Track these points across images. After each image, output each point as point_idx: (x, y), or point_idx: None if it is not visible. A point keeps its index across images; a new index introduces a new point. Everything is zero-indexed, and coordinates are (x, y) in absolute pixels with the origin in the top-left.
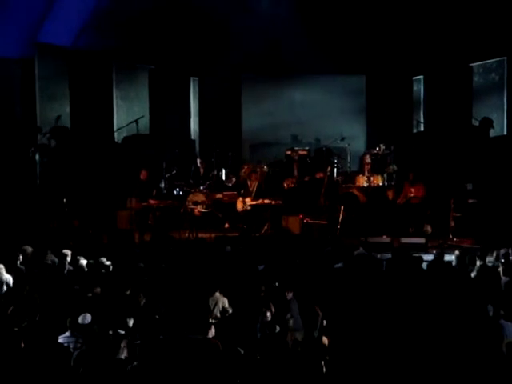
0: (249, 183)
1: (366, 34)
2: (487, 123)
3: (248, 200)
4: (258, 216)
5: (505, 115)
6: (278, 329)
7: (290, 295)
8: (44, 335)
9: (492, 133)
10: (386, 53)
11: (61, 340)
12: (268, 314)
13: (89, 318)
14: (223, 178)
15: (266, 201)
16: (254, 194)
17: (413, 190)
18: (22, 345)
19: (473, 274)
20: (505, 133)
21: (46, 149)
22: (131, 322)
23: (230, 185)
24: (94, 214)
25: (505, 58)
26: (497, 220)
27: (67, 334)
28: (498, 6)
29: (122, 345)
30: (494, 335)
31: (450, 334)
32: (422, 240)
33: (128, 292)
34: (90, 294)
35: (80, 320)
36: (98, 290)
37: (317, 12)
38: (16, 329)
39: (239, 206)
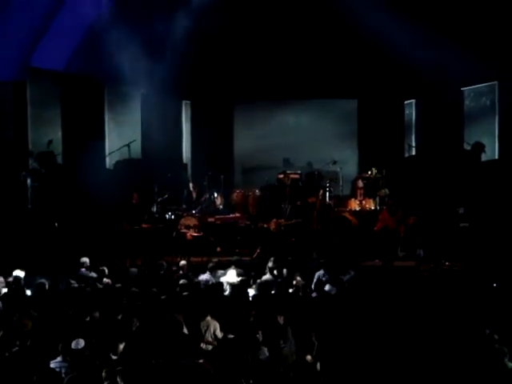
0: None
1: (357, 58)
2: (479, 147)
3: (282, 221)
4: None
5: (496, 139)
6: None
7: (281, 319)
8: (35, 360)
9: (483, 157)
10: (378, 77)
11: (52, 365)
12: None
13: (82, 343)
14: (215, 201)
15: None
16: (287, 215)
17: (390, 218)
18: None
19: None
20: (496, 157)
21: (37, 173)
22: (122, 347)
23: (220, 207)
24: (87, 239)
25: (496, 82)
26: (488, 244)
27: (59, 358)
28: (489, 31)
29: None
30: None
31: (445, 361)
32: (413, 264)
33: (120, 317)
34: (87, 319)
35: (73, 345)
36: (97, 314)
37: (309, 36)
38: (6, 354)
39: (273, 226)
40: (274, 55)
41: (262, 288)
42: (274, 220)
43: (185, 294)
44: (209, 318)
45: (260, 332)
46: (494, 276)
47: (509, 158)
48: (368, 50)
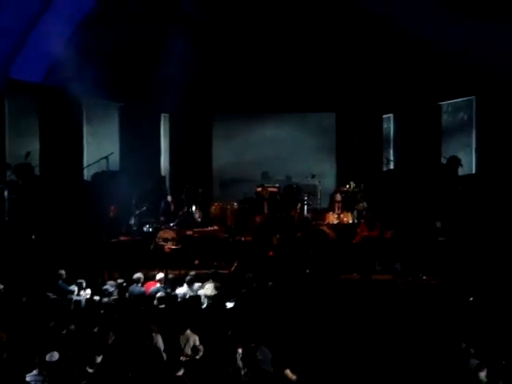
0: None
1: (336, 73)
2: (456, 162)
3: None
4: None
5: (473, 154)
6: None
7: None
8: (11, 373)
9: (460, 171)
10: (356, 91)
11: (28, 378)
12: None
13: (56, 355)
14: (193, 214)
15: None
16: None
17: (368, 229)
18: None
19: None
20: (473, 171)
21: (14, 185)
22: (99, 360)
23: (199, 220)
24: (64, 251)
25: (473, 97)
26: (466, 258)
27: (35, 372)
28: (466, 47)
29: None
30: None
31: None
32: (391, 277)
33: (96, 329)
34: (64, 331)
35: (47, 358)
36: (73, 327)
37: (287, 50)
38: None
39: (275, 241)
40: (252, 69)
41: (241, 301)
42: (278, 236)
43: (162, 307)
44: (189, 331)
45: (239, 345)
46: (470, 290)
47: (486, 172)
48: (346, 63)
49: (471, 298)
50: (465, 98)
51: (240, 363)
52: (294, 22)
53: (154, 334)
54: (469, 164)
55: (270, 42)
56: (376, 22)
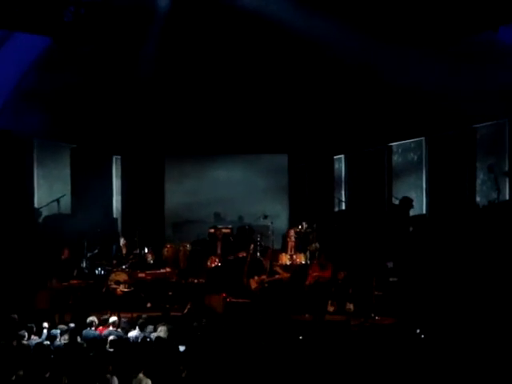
0: (264, 262)
1: (287, 114)
2: (407, 202)
3: (264, 278)
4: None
5: (424, 194)
6: None
7: None
8: None
9: (411, 212)
10: (308, 132)
11: None
12: None
13: None
14: (146, 256)
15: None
16: (268, 271)
17: (319, 270)
18: None
19: None
20: (424, 212)
21: None
22: None
23: (151, 262)
24: (13, 295)
25: (423, 138)
26: (417, 298)
27: None
28: (415, 89)
29: None
30: None
31: None
32: (343, 318)
33: (47, 375)
34: (13, 378)
35: None
36: (21, 372)
37: (239, 92)
38: None
39: (254, 285)
40: (204, 110)
41: (192, 344)
42: (256, 278)
43: (114, 350)
44: (141, 375)
45: None
46: (422, 330)
47: (436, 212)
48: (297, 105)
49: (418, 330)
50: (414, 139)
51: None
52: (245, 65)
53: (108, 376)
54: (419, 204)
55: (221, 84)
56: (327, 64)
